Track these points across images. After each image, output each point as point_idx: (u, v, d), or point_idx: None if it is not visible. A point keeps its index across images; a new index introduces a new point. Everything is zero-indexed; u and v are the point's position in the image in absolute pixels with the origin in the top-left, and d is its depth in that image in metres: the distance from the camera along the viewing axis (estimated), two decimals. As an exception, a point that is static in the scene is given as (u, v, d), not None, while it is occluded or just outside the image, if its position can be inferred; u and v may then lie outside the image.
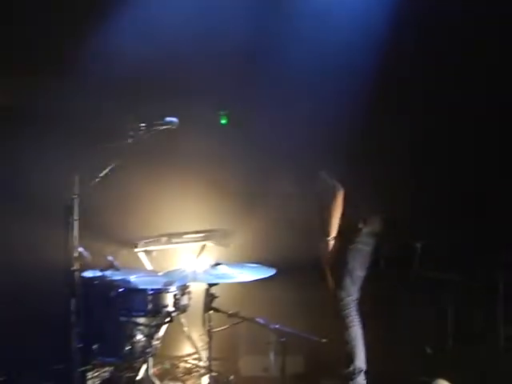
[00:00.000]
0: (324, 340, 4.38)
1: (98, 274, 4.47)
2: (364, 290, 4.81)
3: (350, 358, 4.69)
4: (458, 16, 5.12)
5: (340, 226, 4.75)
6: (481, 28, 5.12)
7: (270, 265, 4.38)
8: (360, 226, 4.79)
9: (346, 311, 4.73)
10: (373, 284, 4.92)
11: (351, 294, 4.76)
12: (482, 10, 5.05)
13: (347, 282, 4.76)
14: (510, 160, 5.23)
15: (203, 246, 5.27)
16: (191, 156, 5.37)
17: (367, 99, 4.97)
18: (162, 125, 4.33)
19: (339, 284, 4.76)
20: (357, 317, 4.75)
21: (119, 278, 4.47)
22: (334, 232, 4.76)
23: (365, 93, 4.96)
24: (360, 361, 4.70)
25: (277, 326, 4.15)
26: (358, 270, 4.81)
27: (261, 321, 4.20)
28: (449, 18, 5.14)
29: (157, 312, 4.35)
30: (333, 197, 4.71)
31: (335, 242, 4.75)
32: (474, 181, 5.25)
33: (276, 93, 5.06)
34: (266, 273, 4.27)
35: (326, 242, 4.77)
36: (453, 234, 5.17)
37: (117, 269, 4.50)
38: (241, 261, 4.62)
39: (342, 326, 4.70)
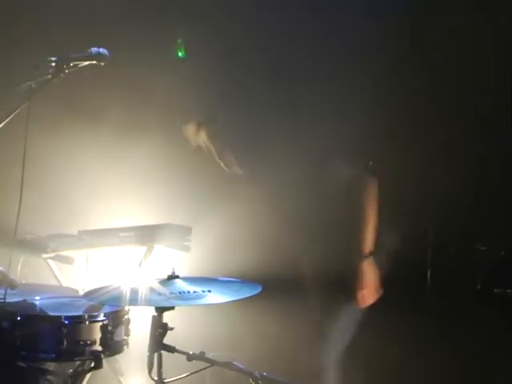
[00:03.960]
0: None
1: (-16, 294, 3.80)
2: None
3: None
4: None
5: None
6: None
7: (252, 280, 3.56)
8: None
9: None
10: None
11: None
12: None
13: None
14: None
15: (149, 250, 4.56)
16: (137, 111, 4.72)
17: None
18: (86, 59, 3.56)
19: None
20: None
21: (16, 299, 3.74)
22: (370, 244, 3.87)
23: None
24: None
25: (264, 374, 3.29)
26: None
27: (239, 366, 3.35)
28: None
29: (76, 353, 3.56)
30: (363, 190, 3.85)
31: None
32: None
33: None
34: (247, 292, 3.42)
35: (361, 262, 3.86)
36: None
37: (12, 286, 3.68)
38: (207, 273, 3.94)
39: None
